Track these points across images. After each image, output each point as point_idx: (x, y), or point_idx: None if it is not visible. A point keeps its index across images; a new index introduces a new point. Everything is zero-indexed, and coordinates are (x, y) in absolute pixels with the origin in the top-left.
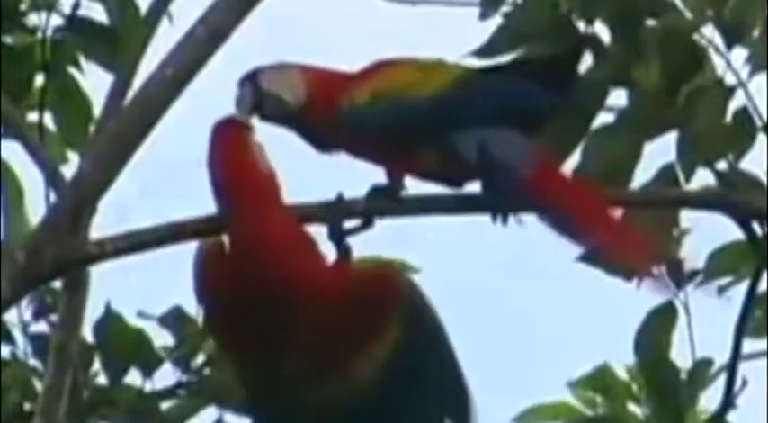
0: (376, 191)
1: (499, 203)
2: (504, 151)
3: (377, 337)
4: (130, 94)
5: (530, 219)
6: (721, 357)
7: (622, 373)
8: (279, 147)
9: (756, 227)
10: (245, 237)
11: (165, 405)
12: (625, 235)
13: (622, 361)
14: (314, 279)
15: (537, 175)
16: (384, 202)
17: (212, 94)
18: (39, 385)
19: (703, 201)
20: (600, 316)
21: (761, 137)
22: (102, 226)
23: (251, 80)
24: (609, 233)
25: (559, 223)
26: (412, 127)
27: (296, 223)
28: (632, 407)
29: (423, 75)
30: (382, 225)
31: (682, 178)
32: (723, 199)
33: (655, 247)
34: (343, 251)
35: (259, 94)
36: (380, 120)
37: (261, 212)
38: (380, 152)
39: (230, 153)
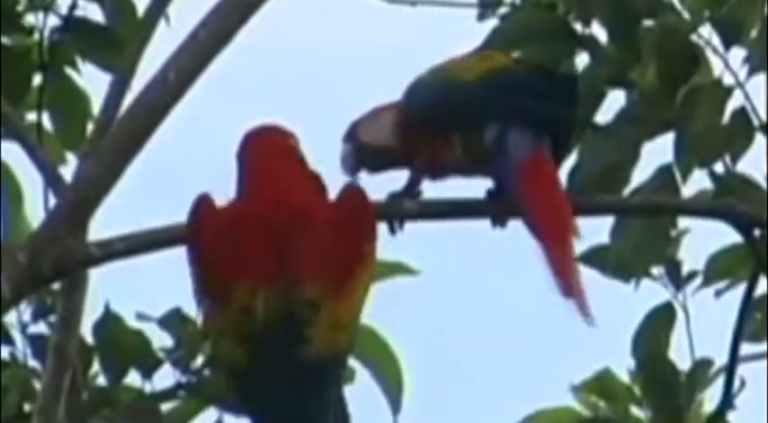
0: (395, 195)
1: (499, 207)
2: (515, 150)
3: (370, 261)
4: (131, 95)
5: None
6: (720, 359)
7: (624, 377)
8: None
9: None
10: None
11: (164, 406)
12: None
13: (622, 360)
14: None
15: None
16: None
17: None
18: (38, 386)
19: (704, 210)
20: (602, 316)
21: (759, 137)
22: (102, 228)
23: (351, 137)
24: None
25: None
26: (453, 108)
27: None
28: (635, 410)
29: (477, 62)
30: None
31: (679, 179)
32: (723, 208)
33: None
34: None
35: (361, 149)
36: (431, 97)
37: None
38: (424, 138)
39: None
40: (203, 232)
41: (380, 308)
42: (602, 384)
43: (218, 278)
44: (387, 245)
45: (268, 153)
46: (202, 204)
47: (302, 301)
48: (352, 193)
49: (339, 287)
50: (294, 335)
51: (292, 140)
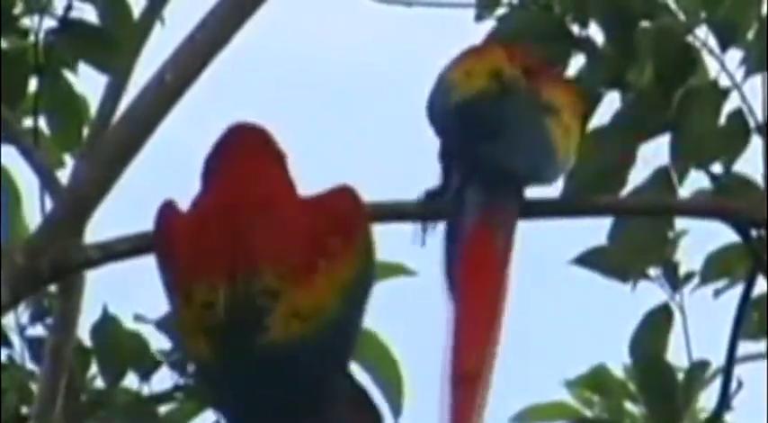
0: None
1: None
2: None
3: (341, 256)
4: (128, 97)
5: (524, 222)
6: (717, 360)
7: (619, 373)
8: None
9: (753, 230)
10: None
11: (162, 408)
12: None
13: (619, 361)
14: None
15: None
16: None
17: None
18: (36, 388)
19: (701, 210)
20: (596, 316)
21: (755, 139)
22: (100, 230)
23: None
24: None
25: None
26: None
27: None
28: (629, 406)
29: (475, 66)
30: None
31: (675, 181)
32: (721, 208)
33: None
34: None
35: None
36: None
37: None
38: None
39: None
40: (164, 236)
41: (380, 308)
42: (596, 380)
43: (180, 278)
44: (387, 245)
45: (229, 149)
46: (164, 209)
47: (261, 289)
48: (336, 190)
49: (299, 276)
50: (253, 324)
51: (263, 136)
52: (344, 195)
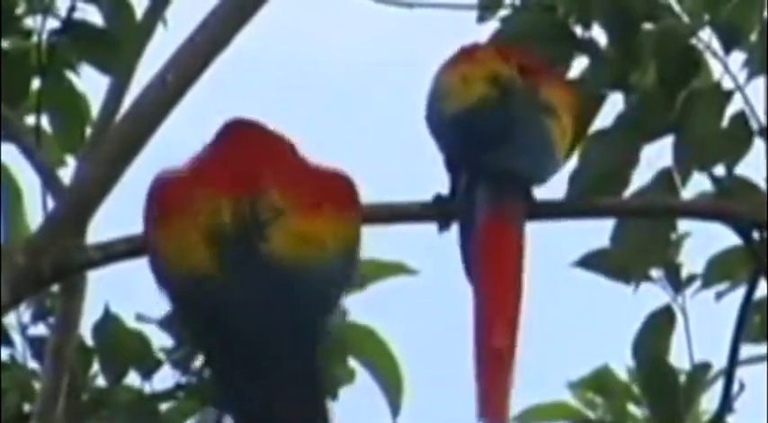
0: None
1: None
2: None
3: (344, 212)
4: (128, 97)
5: (528, 224)
6: (719, 362)
7: (622, 375)
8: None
9: (754, 233)
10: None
11: (164, 407)
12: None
13: (621, 362)
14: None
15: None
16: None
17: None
18: (38, 387)
19: (703, 211)
20: (599, 318)
21: (758, 141)
22: (101, 230)
23: None
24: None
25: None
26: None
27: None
28: (632, 408)
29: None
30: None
31: (678, 183)
32: (723, 210)
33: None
34: None
35: None
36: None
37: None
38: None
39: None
40: (161, 185)
41: (380, 308)
42: (599, 381)
43: (179, 211)
44: (387, 245)
45: (233, 129)
46: (157, 178)
47: (266, 205)
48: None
49: (305, 207)
50: (256, 234)
51: (264, 125)
52: (344, 174)
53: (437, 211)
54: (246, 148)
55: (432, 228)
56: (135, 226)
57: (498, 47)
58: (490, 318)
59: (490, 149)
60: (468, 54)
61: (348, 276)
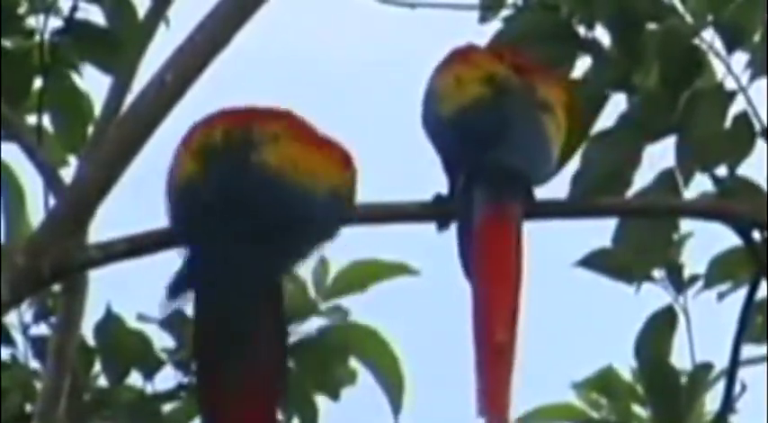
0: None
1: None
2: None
3: (341, 165)
4: (129, 97)
5: (529, 224)
6: (721, 362)
7: (627, 375)
8: None
9: (755, 233)
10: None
11: (165, 407)
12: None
13: (623, 363)
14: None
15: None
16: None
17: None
18: (39, 387)
19: (703, 211)
20: (601, 318)
21: (760, 142)
22: (102, 229)
23: None
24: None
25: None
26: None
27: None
28: (636, 408)
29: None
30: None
31: (680, 183)
32: (724, 210)
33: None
34: None
35: None
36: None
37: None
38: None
39: None
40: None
41: (382, 308)
42: (604, 382)
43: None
44: (387, 245)
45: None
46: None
47: (260, 130)
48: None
49: (302, 141)
50: (248, 147)
51: None
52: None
53: (436, 211)
54: (253, 108)
55: (432, 228)
56: (135, 226)
57: (491, 46)
58: (489, 314)
59: (487, 148)
60: (461, 55)
61: (328, 221)
